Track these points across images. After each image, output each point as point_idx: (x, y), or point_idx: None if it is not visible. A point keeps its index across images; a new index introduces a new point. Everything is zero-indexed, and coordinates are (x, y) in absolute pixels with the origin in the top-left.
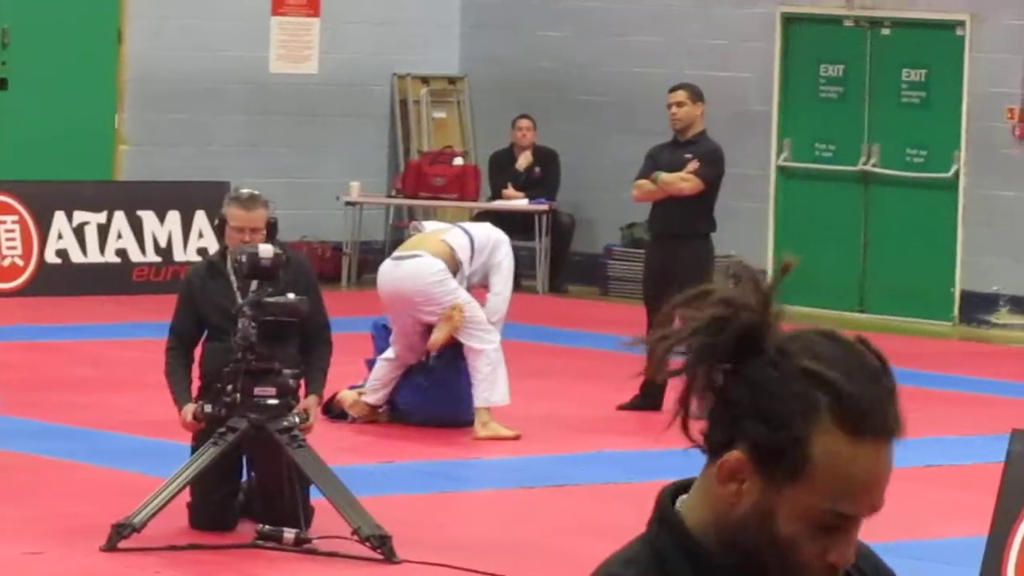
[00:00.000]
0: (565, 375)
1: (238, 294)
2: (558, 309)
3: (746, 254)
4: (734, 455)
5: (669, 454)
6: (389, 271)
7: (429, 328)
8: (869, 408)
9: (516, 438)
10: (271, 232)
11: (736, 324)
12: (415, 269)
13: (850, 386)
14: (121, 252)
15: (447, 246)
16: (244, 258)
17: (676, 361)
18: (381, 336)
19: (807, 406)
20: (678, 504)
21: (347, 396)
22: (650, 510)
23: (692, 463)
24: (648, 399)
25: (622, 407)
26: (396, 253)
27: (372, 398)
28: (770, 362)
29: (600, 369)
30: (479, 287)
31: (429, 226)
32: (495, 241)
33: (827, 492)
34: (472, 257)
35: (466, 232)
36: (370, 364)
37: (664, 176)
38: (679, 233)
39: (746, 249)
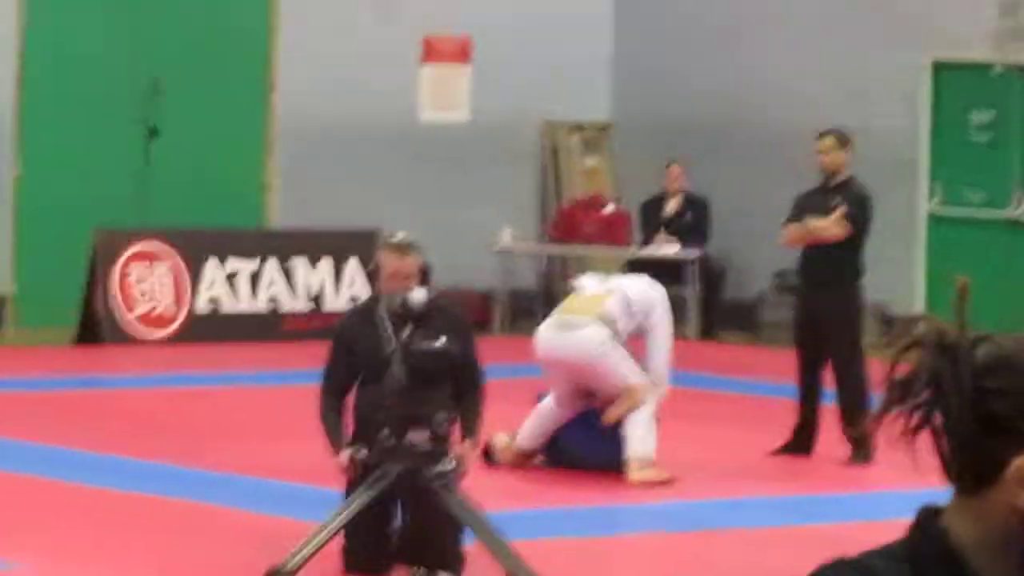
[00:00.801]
0: (717, 420)
1: (391, 339)
2: (710, 355)
3: (897, 301)
4: (1019, 461)
5: (823, 499)
6: (552, 340)
7: (587, 387)
8: None
9: (669, 482)
10: (424, 277)
11: (942, 345)
12: (582, 342)
13: None
14: (273, 300)
15: (607, 315)
16: (397, 303)
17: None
18: None
19: None
20: None
21: (499, 440)
22: (805, 556)
23: (846, 507)
24: (800, 444)
25: (775, 452)
26: (557, 319)
27: (528, 444)
28: (1004, 368)
29: (753, 414)
30: (634, 335)
31: (587, 283)
32: (651, 302)
33: None
34: (628, 321)
35: (624, 296)
36: (540, 399)
37: (812, 222)
38: (828, 279)
39: (897, 296)
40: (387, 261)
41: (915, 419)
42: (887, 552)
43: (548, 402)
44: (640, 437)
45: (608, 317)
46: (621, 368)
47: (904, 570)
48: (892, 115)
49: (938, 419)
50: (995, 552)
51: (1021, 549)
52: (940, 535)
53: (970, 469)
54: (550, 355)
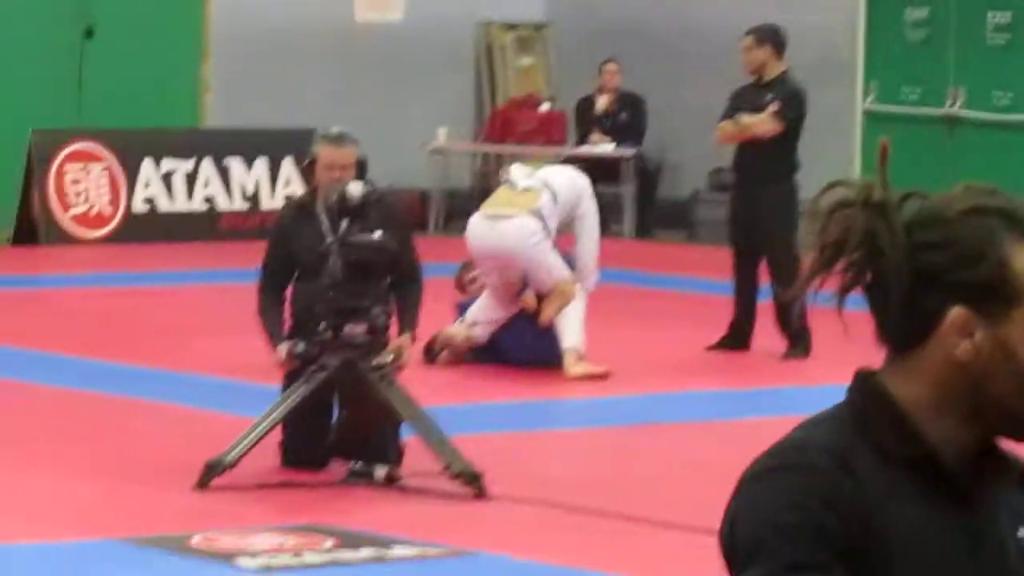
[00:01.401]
0: (654, 318)
1: (328, 233)
2: (645, 253)
3: None
4: (954, 312)
5: (759, 393)
6: (484, 230)
7: (521, 281)
8: None
9: (606, 376)
10: (361, 171)
11: (871, 203)
12: (514, 232)
13: (1004, 203)
14: (209, 199)
15: (539, 210)
16: (334, 196)
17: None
18: None
19: (989, 232)
20: None
21: (456, 332)
22: (741, 448)
23: (782, 401)
24: (736, 339)
25: (711, 347)
26: (488, 211)
27: (476, 331)
28: (933, 222)
29: (688, 311)
30: (563, 232)
31: (518, 174)
32: (578, 193)
33: None
34: (556, 215)
35: (554, 189)
36: (461, 307)
37: (744, 118)
38: (762, 176)
39: None
40: (324, 153)
41: (848, 279)
42: (825, 417)
43: (487, 297)
44: (573, 330)
45: (540, 212)
46: (551, 262)
47: (848, 431)
48: (827, 13)
49: (870, 278)
50: (936, 408)
51: (961, 402)
52: (880, 394)
53: (906, 326)
54: (481, 245)
